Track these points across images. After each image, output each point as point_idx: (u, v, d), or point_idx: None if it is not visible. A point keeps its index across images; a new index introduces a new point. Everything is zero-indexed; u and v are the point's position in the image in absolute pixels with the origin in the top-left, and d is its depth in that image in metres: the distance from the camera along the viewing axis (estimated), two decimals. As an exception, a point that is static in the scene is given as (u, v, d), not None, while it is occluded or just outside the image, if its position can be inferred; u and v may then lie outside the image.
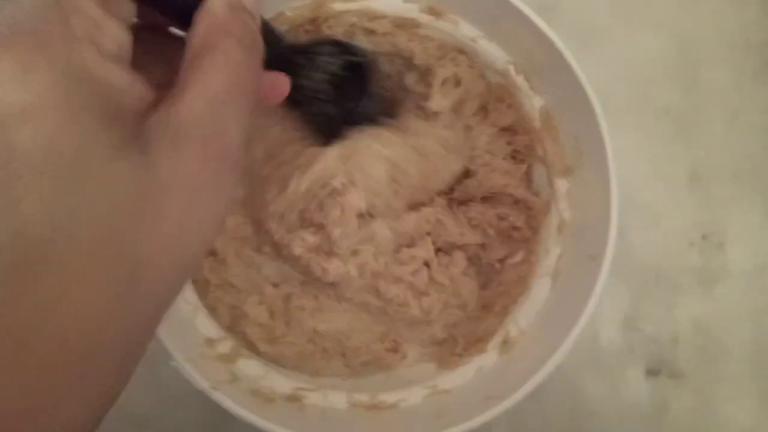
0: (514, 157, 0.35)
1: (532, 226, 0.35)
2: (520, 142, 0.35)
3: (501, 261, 0.35)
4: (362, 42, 0.35)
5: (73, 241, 0.14)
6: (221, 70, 0.18)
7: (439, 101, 0.34)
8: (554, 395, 0.38)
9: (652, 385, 0.38)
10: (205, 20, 0.18)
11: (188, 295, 0.32)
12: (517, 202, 0.35)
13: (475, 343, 0.33)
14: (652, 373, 0.38)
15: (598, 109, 0.30)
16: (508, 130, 0.35)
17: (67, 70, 0.15)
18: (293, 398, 0.31)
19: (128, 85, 0.17)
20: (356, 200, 0.31)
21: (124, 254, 0.15)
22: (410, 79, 0.36)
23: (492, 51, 0.34)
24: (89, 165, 0.15)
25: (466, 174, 0.35)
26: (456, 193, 0.36)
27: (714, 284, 0.40)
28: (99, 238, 0.15)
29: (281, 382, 0.31)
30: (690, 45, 0.42)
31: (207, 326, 0.32)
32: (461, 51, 0.35)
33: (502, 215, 0.35)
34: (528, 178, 0.35)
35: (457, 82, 0.35)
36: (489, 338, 0.33)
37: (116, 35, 0.17)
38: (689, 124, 0.41)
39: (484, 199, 0.35)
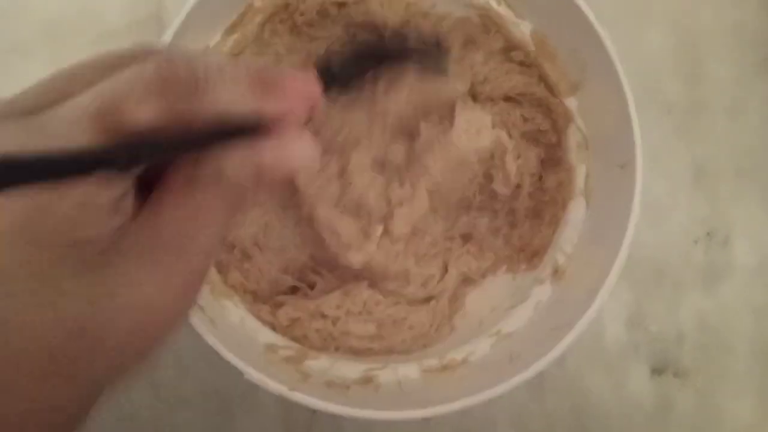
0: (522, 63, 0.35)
1: (556, 130, 0.34)
2: (518, 57, 0.34)
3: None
4: (335, 18, 0.34)
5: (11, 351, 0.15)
6: (196, 199, 0.18)
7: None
8: (558, 393, 0.38)
9: (657, 383, 0.38)
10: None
11: (235, 306, 0.32)
12: (539, 104, 0.34)
13: (531, 258, 0.34)
14: (657, 371, 0.38)
15: (591, 16, 0.29)
16: (503, 53, 0.35)
17: (38, 206, 0.15)
18: (366, 380, 0.31)
19: (105, 225, 0.17)
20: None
21: (61, 370, 0.16)
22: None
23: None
24: (41, 284, 0.15)
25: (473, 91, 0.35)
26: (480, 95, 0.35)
27: (719, 281, 0.39)
28: (37, 353, 0.16)
29: (351, 368, 0.31)
30: (692, 40, 0.41)
31: (264, 333, 0.31)
32: (425, 15, 0.34)
33: (526, 116, 0.34)
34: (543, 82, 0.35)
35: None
36: (544, 252, 0.33)
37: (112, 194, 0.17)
38: (692, 120, 0.40)
39: (508, 100, 0.35)
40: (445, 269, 0.35)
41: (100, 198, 0.16)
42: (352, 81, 0.28)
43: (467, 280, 0.35)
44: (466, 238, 0.35)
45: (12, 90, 0.40)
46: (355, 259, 0.32)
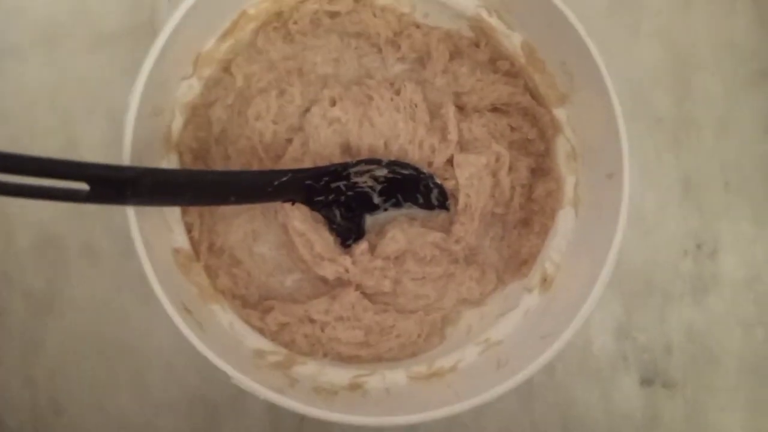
0: (507, 74, 0.35)
1: (544, 139, 0.34)
2: (504, 66, 0.35)
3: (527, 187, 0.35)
4: (329, 27, 0.34)
5: None
6: None
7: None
8: (547, 402, 0.38)
9: (646, 394, 0.39)
10: None
11: (223, 311, 0.32)
12: (525, 113, 0.35)
13: (520, 267, 0.34)
14: (646, 382, 0.39)
15: (581, 28, 0.30)
16: (489, 64, 0.35)
17: None
18: (354, 386, 0.31)
19: None
20: None
21: None
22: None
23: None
24: None
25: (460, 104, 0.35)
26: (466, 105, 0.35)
27: (707, 293, 0.40)
28: None
29: (339, 375, 0.31)
30: (683, 55, 0.42)
31: (252, 338, 0.31)
32: (417, 26, 0.35)
33: (513, 125, 0.35)
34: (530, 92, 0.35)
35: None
36: (533, 261, 0.33)
37: None
38: (682, 134, 0.41)
39: (494, 110, 0.35)
40: (444, 292, 0.34)
41: None
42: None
43: (465, 301, 0.35)
44: (469, 260, 0.35)
45: (6, 92, 0.40)
46: (327, 271, 0.33)
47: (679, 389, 0.39)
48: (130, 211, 0.27)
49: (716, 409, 0.39)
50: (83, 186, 0.23)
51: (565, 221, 0.33)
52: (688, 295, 0.40)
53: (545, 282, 0.33)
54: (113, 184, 0.24)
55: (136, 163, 0.28)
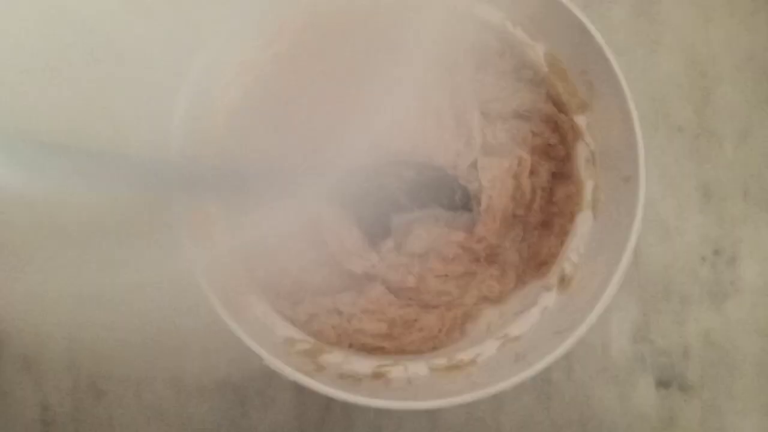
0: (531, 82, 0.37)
1: (565, 145, 0.36)
2: (528, 75, 0.36)
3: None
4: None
5: None
6: None
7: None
8: (564, 403, 0.39)
9: (662, 396, 0.39)
10: None
11: (258, 301, 0.34)
12: (548, 120, 0.36)
13: (539, 267, 0.35)
14: (663, 384, 0.39)
15: (600, 39, 0.31)
16: (513, 73, 0.37)
17: None
18: (378, 375, 0.33)
19: None
20: None
21: None
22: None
23: (484, 10, 0.36)
24: None
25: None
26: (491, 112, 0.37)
27: (725, 299, 0.40)
28: None
29: (363, 364, 0.33)
30: (702, 67, 0.43)
31: (283, 327, 0.33)
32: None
33: (536, 131, 0.36)
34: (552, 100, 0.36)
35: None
36: (552, 262, 0.34)
37: None
38: (701, 144, 0.42)
39: (517, 117, 0.37)
40: (465, 289, 0.36)
41: None
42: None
43: (486, 299, 0.36)
44: (490, 260, 0.37)
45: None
46: (355, 266, 0.34)
47: (696, 393, 0.39)
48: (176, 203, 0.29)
49: (732, 413, 0.39)
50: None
51: (583, 223, 0.35)
52: (707, 300, 0.40)
53: (563, 281, 0.34)
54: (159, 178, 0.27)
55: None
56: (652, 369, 0.40)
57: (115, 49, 0.40)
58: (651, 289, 0.40)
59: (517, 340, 0.33)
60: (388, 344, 0.34)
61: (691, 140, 0.42)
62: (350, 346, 0.34)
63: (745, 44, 0.43)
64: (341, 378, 0.32)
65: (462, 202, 0.36)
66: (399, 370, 0.33)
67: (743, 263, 0.41)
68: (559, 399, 0.39)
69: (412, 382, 0.32)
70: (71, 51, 0.41)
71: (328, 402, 0.38)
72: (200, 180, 0.29)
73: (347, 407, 0.38)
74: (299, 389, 0.30)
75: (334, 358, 0.33)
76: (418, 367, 0.33)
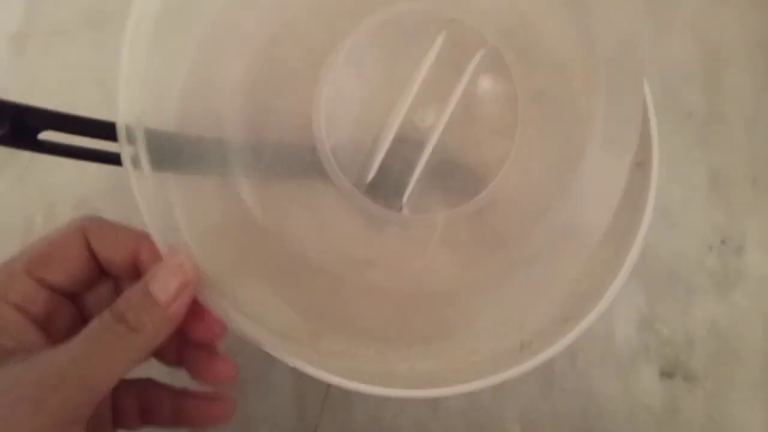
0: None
1: None
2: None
3: None
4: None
5: None
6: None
7: None
8: (567, 391, 0.39)
9: (666, 386, 0.39)
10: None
11: (255, 285, 0.33)
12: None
13: None
14: (667, 374, 0.39)
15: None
16: None
17: None
18: (379, 362, 0.32)
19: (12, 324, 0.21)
20: None
21: None
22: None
23: None
24: None
25: None
26: None
27: (731, 288, 0.40)
28: None
29: (364, 351, 0.32)
30: (714, 51, 0.42)
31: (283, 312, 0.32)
32: None
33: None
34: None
35: None
36: None
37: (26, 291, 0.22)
38: (710, 129, 0.41)
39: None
40: (470, 275, 0.35)
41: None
42: None
43: (491, 284, 0.35)
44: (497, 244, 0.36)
45: (52, 70, 0.42)
46: (358, 251, 0.33)
47: (700, 383, 0.39)
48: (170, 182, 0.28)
49: (736, 403, 0.39)
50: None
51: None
52: (712, 289, 0.40)
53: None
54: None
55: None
56: (656, 358, 0.39)
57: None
58: (657, 278, 0.40)
59: (522, 328, 0.33)
60: (390, 331, 0.34)
61: (701, 126, 0.41)
62: (351, 332, 0.33)
63: (757, 29, 0.42)
64: (341, 365, 0.31)
65: (473, 189, 0.35)
66: (402, 356, 0.32)
67: (750, 253, 0.40)
68: (561, 388, 0.39)
69: (415, 370, 0.32)
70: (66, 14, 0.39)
71: (328, 389, 0.38)
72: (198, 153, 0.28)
73: (347, 395, 0.37)
74: (298, 376, 0.29)
75: (335, 344, 0.32)
76: (420, 355, 0.33)
